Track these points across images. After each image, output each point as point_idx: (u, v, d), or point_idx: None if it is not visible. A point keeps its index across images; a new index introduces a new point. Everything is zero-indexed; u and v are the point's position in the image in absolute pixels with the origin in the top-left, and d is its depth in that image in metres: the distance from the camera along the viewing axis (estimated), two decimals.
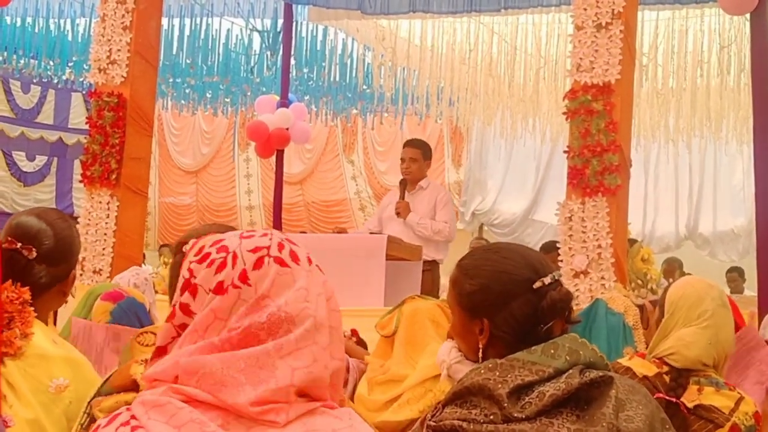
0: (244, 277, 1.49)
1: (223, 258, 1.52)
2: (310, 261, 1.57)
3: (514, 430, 1.89)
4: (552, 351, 1.98)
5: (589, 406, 1.91)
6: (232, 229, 2.04)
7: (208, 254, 1.54)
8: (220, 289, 1.49)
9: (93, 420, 2.25)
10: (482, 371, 1.97)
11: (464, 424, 1.93)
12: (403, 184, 7.97)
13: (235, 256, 1.52)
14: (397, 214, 7.87)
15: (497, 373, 1.95)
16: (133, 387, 2.27)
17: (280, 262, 1.52)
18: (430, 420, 2.02)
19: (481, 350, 2.12)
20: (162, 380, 1.47)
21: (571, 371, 1.94)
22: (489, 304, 2.11)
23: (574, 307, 6.11)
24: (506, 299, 2.08)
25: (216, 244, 1.55)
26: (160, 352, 1.53)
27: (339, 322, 1.57)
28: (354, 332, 4.55)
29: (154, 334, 2.63)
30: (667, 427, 1.98)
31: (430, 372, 3.30)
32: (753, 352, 3.48)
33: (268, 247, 1.53)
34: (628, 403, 1.94)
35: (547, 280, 2.08)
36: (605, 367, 2.02)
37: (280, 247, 1.54)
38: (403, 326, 3.57)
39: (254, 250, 1.52)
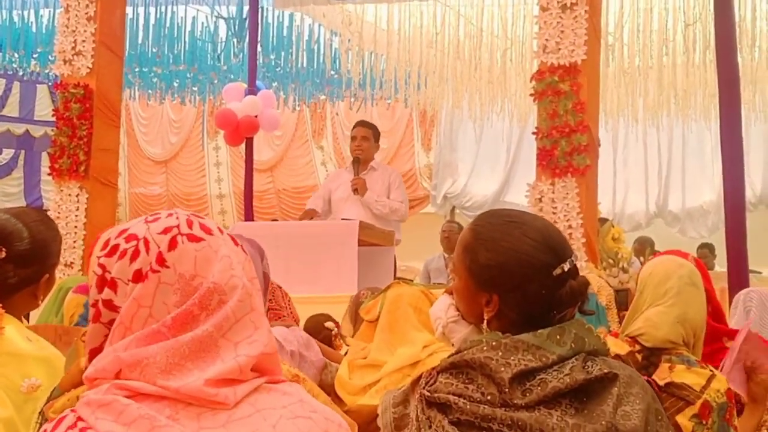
0: (161, 260, 1.47)
1: (134, 246, 1.48)
2: (221, 231, 1.55)
3: (512, 418, 1.85)
4: (558, 337, 1.93)
5: (589, 400, 1.88)
6: None
7: (117, 245, 1.50)
8: (138, 277, 1.47)
9: None
10: (485, 348, 1.92)
11: (460, 402, 1.89)
12: (357, 162, 7.98)
13: (146, 242, 1.49)
14: (354, 191, 7.82)
15: (500, 353, 1.90)
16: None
17: (194, 239, 1.50)
18: (424, 388, 1.97)
19: (485, 321, 2.04)
20: (104, 378, 1.44)
21: (574, 360, 1.90)
22: (503, 282, 2.02)
23: None
24: (522, 281, 2.00)
25: (122, 234, 1.51)
26: (94, 354, 1.50)
27: (257, 290, 1.56)
28: (337, 325, 4.55)
29: None
30: (660, 418, 1.95)
31: (409, 359, 3.31)
32: (737, 341, 3.49)
33: (178, 226, 1.51)
34: (626, 397, 1.90)
35: (567, 266, 2.01)
36: (607, 353, 1.99)
37: (189, 223, 1.52)
38: (386, 311, 3.58)
39: (164, 231, 1.50)
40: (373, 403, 3.17)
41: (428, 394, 1.96)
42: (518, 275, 2.01)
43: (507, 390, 1.86)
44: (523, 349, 1.91)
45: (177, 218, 1.53)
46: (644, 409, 1.90)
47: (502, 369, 1.88)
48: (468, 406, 1.89)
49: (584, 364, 1.92)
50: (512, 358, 1.90)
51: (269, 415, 1.45)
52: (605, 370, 1.91)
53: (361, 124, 8.41)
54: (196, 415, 1.40)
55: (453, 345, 2.18)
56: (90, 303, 1.52)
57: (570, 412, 1.86)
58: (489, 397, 1.88)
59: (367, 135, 8.12)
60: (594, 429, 1.84)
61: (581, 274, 2.07)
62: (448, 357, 1.99)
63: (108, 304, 1.49)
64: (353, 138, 8.19)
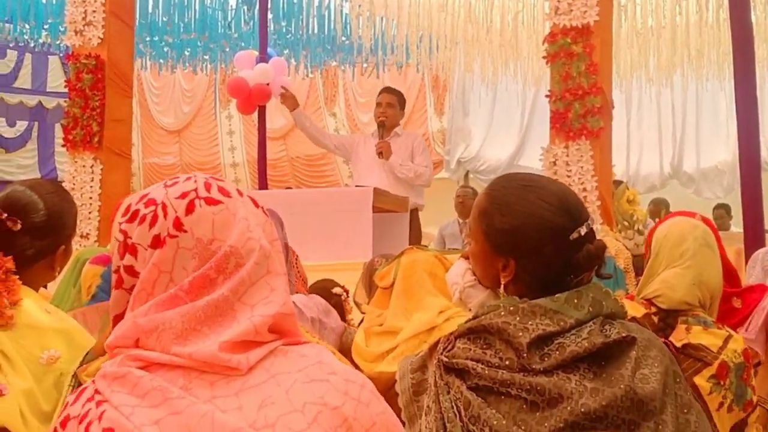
0: (178, 225, 1.47)
1: (153, 211, 1.49)
2: (240, 193, 1.55)
3: (530, 383, 1.85)
4: (575, 301, 1.93)
5: (607, 364, 1.88)
6: None
7: (137, 211, 1.51)
8: (157, 243, 1.47)
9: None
10: (502, 313, 1.92)
11: (478, 367, 1.90)
12: (382, 127, 8.03)
13: (164, 207, 1.49)
14: (379, 154, 7.84)
15: (518, 318, 1.90)
16: None
17: (212, 202, 1.50)
18: (441, 354, 1.98)
19: (502, 285, 2.04)
20: (123, 346, 1.45)
21: (592, 324, 1.90)
22: (519, 246, 2.01)
23: None
24: (538, 245, 1.99)
25: (143, 199, 1.52)
26: (117, 320, 1.51)
27: (278, 252, 1.55)
28: (345, 290, 4.55)
29: None
30: (678, 380, 1.94)
31: (425, 325, 3.31)
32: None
33: (196, 189, 1.51)
34: (644, 360, 1.90)
35: (584, 230, 2.00)
36: (624, 316, 1.98)
37: (207, 186, 1.52)
38: (401, 278, 3.57)
39: (182, 196, 1.50)
40: (390, 370, 3.19)
41: (446, 359, 1.96)
42: (535, 239, 2.00)
43: (525, 355, 1.86)
44: (541, 313, 1.91)
45: (195, 182, 1.53)
46: (662, 371, 1.90)
47: (520, 334, 1.88)
48: (486, 372, 1.89)
49: (602, 327, 1.91)
50: (530, 322, 1.90)
51: (283, 380, 1.44)
52: (623, 334, 1.91)
53: (387, 90, 8.44)
54: (209, 384, 1.40)
55: (470, 310, 2.18)
56: (113, 269, 1.53)
57: (588, 377, 1.86)
58: (507, 362, 1.88)
59: (392, 102, 8.16)
60: (612, 393, 1.83)
61: (598, 237, 2.06)
62: (466, 322, 1.99)
63: (129, 269, 1.49)
64: (378, 104, 8.21)
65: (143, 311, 1.44)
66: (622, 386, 1.83)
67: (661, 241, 3.14)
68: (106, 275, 4.12)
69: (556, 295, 1.94)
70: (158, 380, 1.39)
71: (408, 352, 3.16)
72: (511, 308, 1.93)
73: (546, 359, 1.87)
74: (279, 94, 8.60)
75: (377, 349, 3.39)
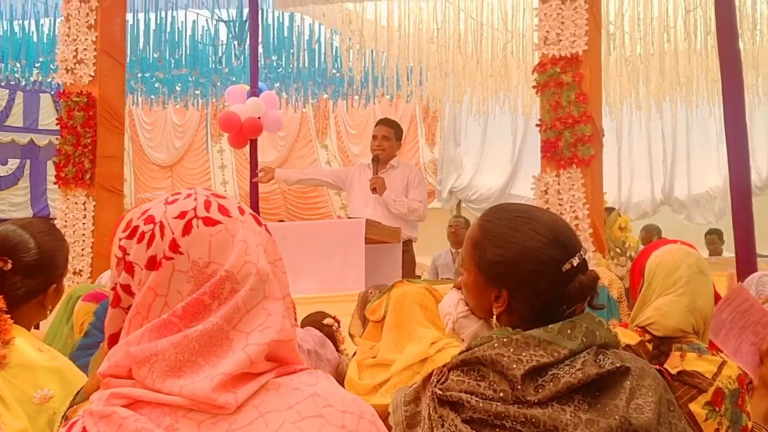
0: (174, 247, 1.42)
1: (151, 230, 1.44)
2: (242, 211, 1.49)
3: (525, 415, 1.85)
4: (569, 331, 1.93)
5: (602, 394, 1.87)
6: None
7: (137, 228, 1.46)
8: (153, 264, 1.42)
9: None
10: (495, 345, 1.91)
11: (472, 400, 1.88)
12: (377, 161, 7.86)
13: (162, 226, 1.44)
14: (373, 190, 7.70)
15: (511, 350, 1.89)
16: None
17: (210, 222, 1.44)
18: (435, 386, 1.97)
19: (495, 316, 2.04)
20: (115, 375, 1.41)
21: (586, 354, 1.90)
22: (512, 278, 2.02)
23: None
24: (531, 277, 2.00)
25: (143, 215, 1.47)
26: (113, 340, 1.47)
27: (281, 273, 1.51)
28: (336, 320, 4.55)
29: None
30: (672, 409, 1.95)
31: (417, 356, 3.31)
32: (747, 314, 3.49)
33: (195, 209, 1.45)
34: (638, 390, 1.90)
35: (576, 261, 2.00)
36: (618, 345, 1.98)
37: (207, 205, 1.46)
38: (392, 311, 3.57)
39: (180, 216, 1.45)
40: (383, 402, 3.17)
41: (440, 392, 1.95)
42: (527, 271, 2.01)
43: (520, 387, 1.86)
44: (534, 344, 1.91)
45: (195, 200, 1.48)
46: (657, 401, 1.90)
47: (514, 366, 1.88)
48: (481, 404, 1.88)
49: (596, 357, 1.91)
50: (524, 354, 1.90)
51: (272, 420, 1.38)
52: (617, 364, 1.90)
53: (383, 122, 8.28)
54: (196, 424, 1.35)
55: (463, 340, 2.18)
56: (110, 286, 1.49)
57: (583, 408, 1.86)
58: (501, 394, 1.88)
59: (388, 134, 7.98)
60: (608, 424, 1.83)
61: (591, 267, 2.06)
62: (459, 354, 1.99)
63: (126, 288, 1.45)
64: (374, 137, 8.06)
65: (136, 338, 1.40)
66: (617, 417, 1.83)
67: (654, 270, 3.14)
68: (99, 313, 4.10)
69: (550, 326, 1.94)
70: (143, 421, 1.35)
71: (401, 383, 3.16)
72: (505, 340, 1.93)
73: (540, 391, 1.86)
74: (254, 179, 8.47)
75: (370, 381, 3.39)
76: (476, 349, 1.95)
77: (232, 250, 1.43)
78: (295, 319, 3.87)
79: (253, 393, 1.39)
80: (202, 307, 1.40)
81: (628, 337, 3.05)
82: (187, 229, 1.44)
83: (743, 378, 3.01)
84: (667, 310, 3.05)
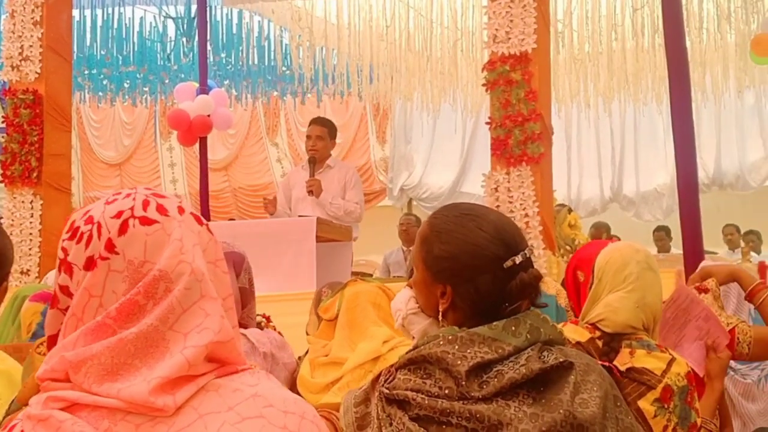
0: (110, 247, 1.40)
1: (89, 230, 1.42)
2: (181, 210, 1.47)
3: (470, 410, 1.86)
4: (513, 328, 1.95)
5: (546, 389, 1.90)
6: None
7: (77, 228, 1.44)
8: (90, 264, 1.41)
9: None
10: (441, 342, 1.94)
11: (418, 397, 1.90)
12: (312, 162, 7.79)
13: (99, 226, 1.42)
14: (310, 192, 7.66)
15: (456, 347, 1.92)
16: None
17: (146, 221, 1.42)
18: (383, 385, 1.98)
19: (440, 313, 2.07)
20: (53, 379, 1.39)
21: (530, 350, 1.92)
22: (455, 273, 2.05)
23: None
24: (474, 273, 2.03)
25: (84, 215, 1.46)
26: (52, 342, 1.45)
27: (223, 273, 1.49)
28: (265, 317, 4.52)
29: None
30: (619, 404, 1.97)
31: (369, 355, 3.31)
32: (688, 310, 3.53)
33: (132, 208, 1.43)
34: (583, 384, 1.92)
35: (518, 259, 2.03)
36: (563, 342, 2.01)
37: (145, 204, 1.44)
38: (345, 309, 3.57)
39: (117, 215, 1.43)
40: (335, 401, 3.17)
41: (387, 391, 1.97)
42: (470, 267, 2.04)
43: (464, 383, 1.88)
44: (479, 341, 1.93)
45: (134, 199, 1.45)
46: (602, 396, 1.92)
47: (459, 362, 1.90)
48: (426, 401, 1.90)
49: (540, 354, 1.93)
50: (468, 351, 1.92)
51: (212, 421, 1.36)
52: (561, 359, 1.93)
53: (315, 121, 8.18)
54: (134, 427, 1.33)
55: (413, 337, 2.20)
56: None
57: (527, 402, 1.88)
58: (447, 391, 1.90)
59: (321, 134, 7.90)
60: (552, 418, 1.85)
61: (540, 265, 2.08)
62: (406, 353, 2.01)
63: (64, 289, 1.43)
64: (308, 137, 7.99)
65: (71, 342, 1.38)
66: (561, 411, 1.85)
67: (603, 267, 3.15)
68: (46, 313, 4.05)
69: (494, 323, 1.96)
70: (81, 424, 1.33)
71: (353, 382, 3.16)
72: (450, 337, 1.95)
73: (485, 387, 1.88)
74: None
75: (322, 380, 3.38)
76: (422, 347, 1.97)
77: (166, 250, 1.41)
78: (253, 318, 3.85)
79: (192, 395, 1.37)
80: (136, 308, 1.37)
81: (578, 334, 3.07)
82: (123, 229, 1.42)
83: (692, 375, 3.03)
84: (617, 306, 3.07)
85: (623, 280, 3.10)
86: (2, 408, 2.45)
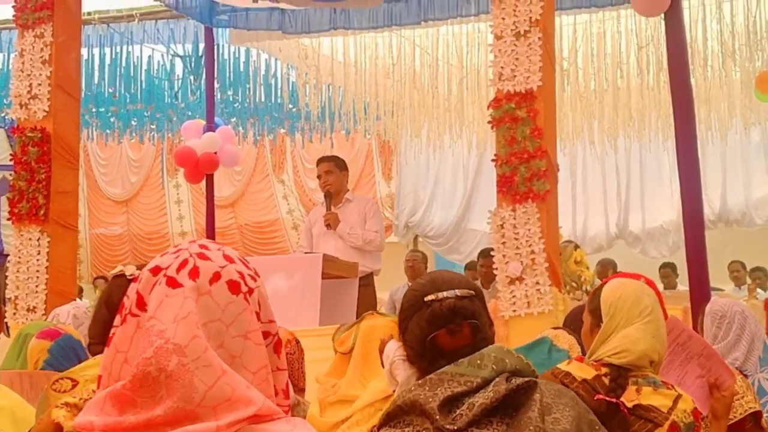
0: (141, 303, 1.38)
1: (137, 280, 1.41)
2: (215, 278, 1.40)
3: None
4: (478, 362, 2.02)
5: (517, 413, 1.94)
6: None
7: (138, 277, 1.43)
8: (123, 318, 1.39)
9: None
10: (412, 388, 2.01)
11: None
12: (329, 197, 7.97)
13: (138, 280, 1.41)
14: (327, 226, 7.84)
15: (427, 388, 1.98)
16: (57, 431, 2.24)
17: (172, 283, 1.38)
18: None
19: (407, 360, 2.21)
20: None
21: (497, 379, 1.97)
22: (402, 320, 2.22)
23: (512, 314, 6.12)
24: (409, 314, 2.19)
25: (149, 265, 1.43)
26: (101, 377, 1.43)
27: (255, 345, 1.42)
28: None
29: (71, 379, 2.58)
30: (597, 428, 2.02)
31: (380, 393, 3.31)
32: (687, 346, 3.53)
33: (168, 266, 1.40)
34: (555, 406, 1.97)
35: (442, 295, 2.14)
36: (531, 373, 2.06)
37: (182, 264, 1.40)
38: (360, 343, 3.59)
39: (154, 270, 1.41)
40: None
41: None
42: (407, 309, 2.22)
43: (438, 417, 1.94)
44: (447, 379, 2.00)
45: (177, 256, 1.42)
46: (575, 416, 1.98)
47: (431, 401, 1.96)
48: None
49: (507, 381, 2.00)
50: (438, 389, 1.99)
51: None
52: (526, 380, 2.00)
53: (322, 159, 8.40)
54: None
55: (397, 382, 2.28)
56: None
57: (501, 429, 1.94)
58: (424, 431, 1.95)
59: (330, 168, 8.10)
60: None
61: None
62: (385, 410, 2.07)
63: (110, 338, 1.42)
64: (318, 177, 8.20)
65: (99, 403, 1.35)
66: (531, 428, 1.91)
67: (615, 304, 3.14)
68: (54, 350, 4.06)
69: (459, 360, 2.05)
70: None
71: (363, 421, 3.17)
72: (420, 382, 2.03)
73: (458, 419, 1.93)
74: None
75: (332, 419, 3.39)
76: (397, 398, 2.05)
77: (170, 314, 1.36)
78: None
79: None
80: (150, 380, 1.33)
81: (583, 371, 3.07)
82: (153, 286, 1.39)
83: (698, 412, 3.03)
84: (636, 336, 3.06)
85: (639, 314, 3.10)
86: None
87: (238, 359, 1.39)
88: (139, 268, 2.69)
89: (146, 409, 1.33)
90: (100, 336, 2.63)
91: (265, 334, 1.45)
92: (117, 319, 1.42)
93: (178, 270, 1.40)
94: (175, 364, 1.33)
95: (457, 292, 2.15)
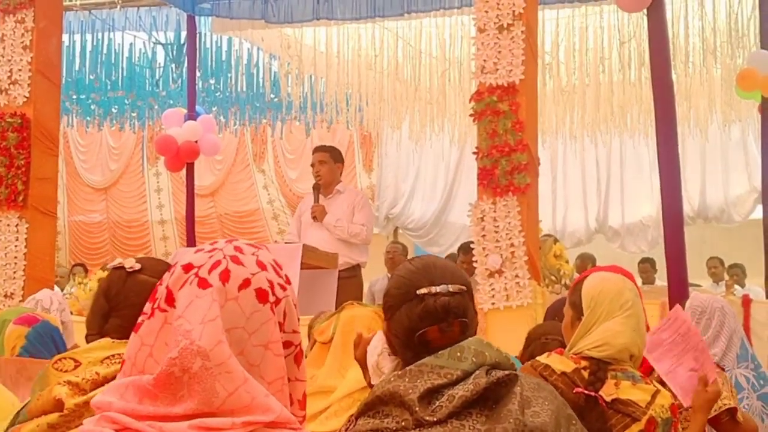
0: (170, 299, 1.39)
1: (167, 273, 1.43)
2: (244, 285, 1.41)
3: None
4: (458, 354, 2.01)
5: (497, 405, 1.95)
6: None
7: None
8: (151, 311, 1.41)
9: None
10: (392, 379, 2.00)
11: None
12: (317, 189, 7.97)
13: (171, 273, 1.43)
14: (314, 218, 7.85)
15: (407, 380, 1.97)
16: (57, 408, 2.24)
17: (203, 284, 1.39)
18: None
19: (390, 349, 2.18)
20: (105, 409, 1.38)
21: (477, 372, 1.98)
22: (388, 306, 2.17)
23: (490, 307, 6.13)
24: (398, 303, 2.13)
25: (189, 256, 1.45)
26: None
27: (275, 356, 1.43)
28: None
29: (73, 359, 2.59)
30: (574, 422, 2.03)
31: (359, 383, 3.30)
32: (686, 338, 3.54)
33: (201, 266, 1.42)
34: (534, 399, 1.99)
35: (435, 289, 2.10)
36: (511, 366, 2.06)
37: (215, 265, 1.41)
38: (339, 333, 3.58)
39: (187, 268, 1.42)
40: (323, 430, 3.18)
41: None
42: (396, 297, 2.16)
43: (417, 409, 1.94)
44: (428, 371, 1.99)
45: (211, 255, 1.43)
46: (554, 409, 2.00)
47: (410, 392, 1.96)
48: None
49: (487, 374, 1.99)
50: (419, 381, 1.98)
51: None
52: (507, 373, 1.99)
53: (318, 149, 8.41)
54: None
55: (383, 375, 2.26)
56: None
57: (481, 421, 1.94)
58: (404, 423, 1.95)
59: (323, 159, 8.09)
60: (503, 428, 1.91)
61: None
62: (363, 400, 2.07)
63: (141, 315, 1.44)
64: (312, 165, 8.18)
65: (121, 388, 1.37)
66: (511, 420, 1.93)
67: (596, 298, 3.15)
68: (31, 336, 4.06)
69: (440, 352, 2.03)
70: None
71: (341, 411, 3.17)
72: (399, 373, 2.02)
73: (438, 411, 1.93)
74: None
75: (310, 410, 3.37)
76: (376, 388, 2.04)
77: (198, 315, 1.37)
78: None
79: None
80: (173, 379, 1.35)
81: (563, 364, 3.07)
82: (183, 284, 1.41)
83: (675, 407, 3.05)
84: (618, 330, 3.07)
85: (620, 308, 3.11)
86: None
87: (256, 368, 1.41)
88: (138, 261, 2.71)
89: (166, 404, 1.35)
90: (99, 327, 2.63)
91: (287, 344, 1.47)
92: (147, 307, 1.43)
93: (210, 270, 1.41)
94: (198, 367, 1.34)
95: (450, 287, 2.11)
